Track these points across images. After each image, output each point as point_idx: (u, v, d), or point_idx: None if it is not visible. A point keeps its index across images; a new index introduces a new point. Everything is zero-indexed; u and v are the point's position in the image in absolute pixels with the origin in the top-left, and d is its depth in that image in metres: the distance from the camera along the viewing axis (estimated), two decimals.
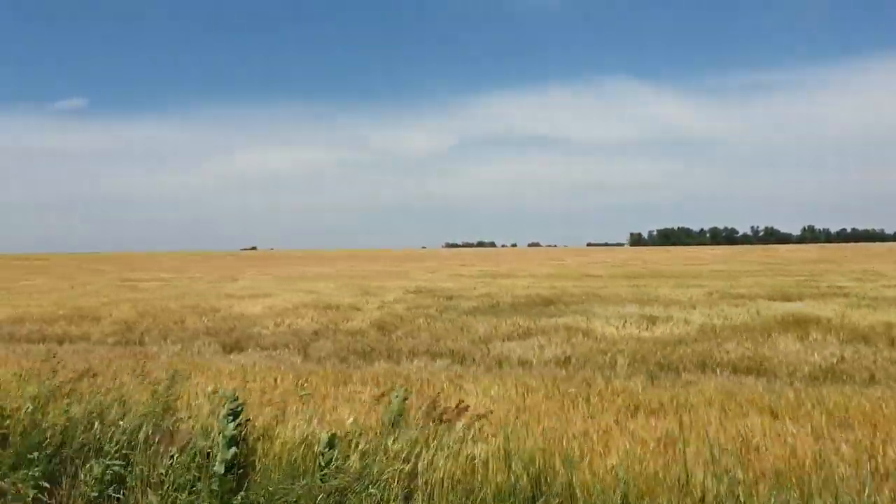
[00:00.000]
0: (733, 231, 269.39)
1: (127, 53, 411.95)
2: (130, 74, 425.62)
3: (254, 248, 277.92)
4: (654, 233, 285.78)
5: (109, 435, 5.29)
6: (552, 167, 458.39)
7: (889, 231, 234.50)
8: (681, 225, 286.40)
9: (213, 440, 5.07)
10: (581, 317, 14.89)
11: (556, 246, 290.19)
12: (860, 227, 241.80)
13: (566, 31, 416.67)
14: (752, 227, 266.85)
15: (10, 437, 5.49)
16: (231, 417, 5.15)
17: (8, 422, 5.60)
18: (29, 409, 5.72)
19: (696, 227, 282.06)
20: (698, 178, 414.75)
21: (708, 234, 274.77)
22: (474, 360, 10.22)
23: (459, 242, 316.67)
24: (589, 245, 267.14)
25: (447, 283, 30.28)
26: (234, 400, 5.34)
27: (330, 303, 18.98)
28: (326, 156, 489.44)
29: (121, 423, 5.44)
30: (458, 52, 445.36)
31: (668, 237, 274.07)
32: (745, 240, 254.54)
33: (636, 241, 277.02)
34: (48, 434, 5.34)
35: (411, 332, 13.24)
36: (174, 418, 5.66)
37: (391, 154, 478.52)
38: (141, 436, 5.28)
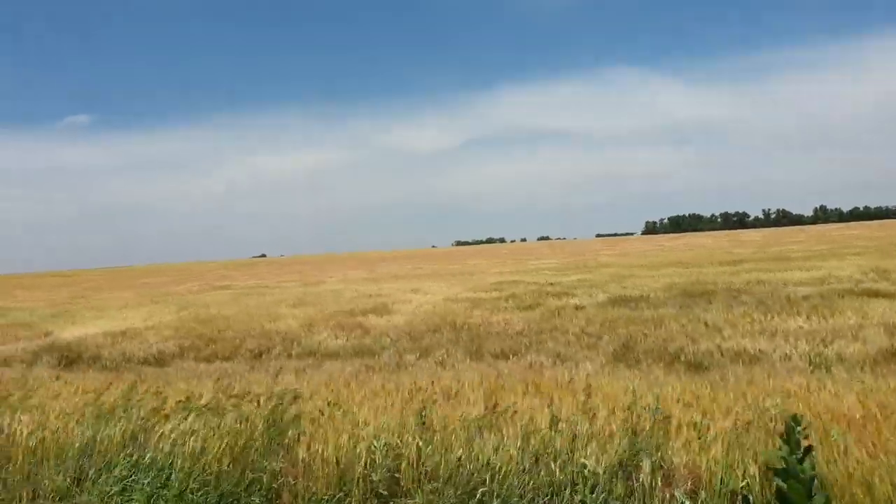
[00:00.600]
0: (745, 215, 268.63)
1: (127, 66, 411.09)
2: (133, 87, 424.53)
3: (263, 256, 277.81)
4: (665, 221, 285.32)
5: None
6: (558, 161, 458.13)
7: None
8: (690, 212, 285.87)
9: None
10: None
11: (564, 238, 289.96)
12: (872, 206, 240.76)
13: (571, 25, 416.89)
14: (764, 210, 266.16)
15: None
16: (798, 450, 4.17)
17: None
18: None
19: (703, 214, 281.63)
20: (700, 165, 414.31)
21: (719, 220, 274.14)
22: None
23: (469, 240, 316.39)
24: (598, 236, 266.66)
25: (563, 277, 29.57)
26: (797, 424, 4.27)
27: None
28: (333, 157, 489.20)
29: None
30: (464, 50, 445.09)
31: (679, 224, 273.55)
32: (757, 223, 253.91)
33: (650, 229, 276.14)
34: None
35: (670, 334, 12.27)
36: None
37: (398, 153, 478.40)
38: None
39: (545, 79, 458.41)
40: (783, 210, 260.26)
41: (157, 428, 6.13)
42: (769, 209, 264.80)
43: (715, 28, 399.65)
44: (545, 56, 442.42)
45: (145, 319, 20.67)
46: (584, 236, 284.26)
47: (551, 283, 25.41)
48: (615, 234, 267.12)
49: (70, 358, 13.29)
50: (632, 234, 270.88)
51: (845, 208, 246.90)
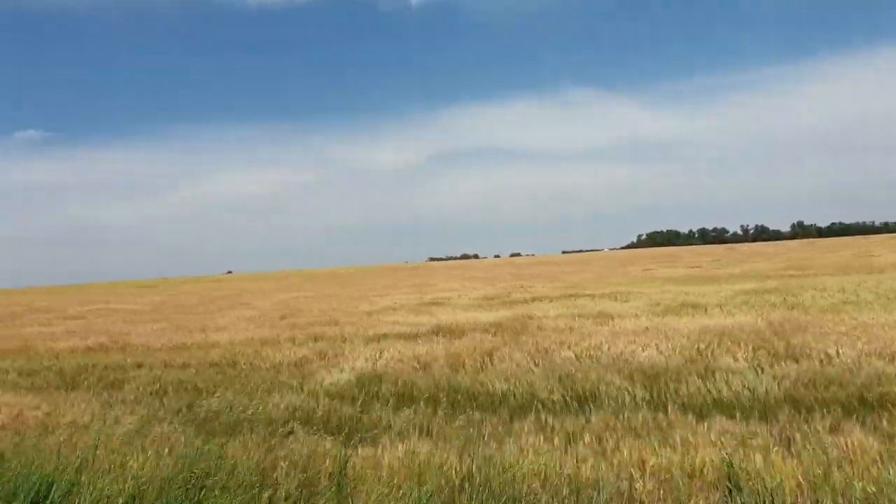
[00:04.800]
0: (723, 230, 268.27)
1: (84, 80, 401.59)
2: (89, 102, 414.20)
3: (230, 272, 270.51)
4: (643, 236, 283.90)
5: None
6: (524, 178, 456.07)
7: (878, 222, 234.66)
8: (667, 228, 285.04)
9: None
10: None
11: (534, 255, 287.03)
12: (847, 221, 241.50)
13: (529, 45, 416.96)
14: (742, 226, 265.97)
15: None
16: None
17: None
18: None
19: (680, 230, 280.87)
20: (669, 182, 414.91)
21: (696, 235, 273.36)
22: None
23: (443, 256, 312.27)
24: (564, 253, 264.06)
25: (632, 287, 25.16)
26: None
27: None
28: (295, 176, 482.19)
29: None
30: (423, 68, 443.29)
31: (656, 240, 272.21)
32: (736, 238, 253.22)
33: (631, 245, 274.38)
34: None
35: None
36: None
37: (361, 171, 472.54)
38: None
39: (504, 97, 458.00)
40: (761, 226, 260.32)
41: None
42: (748, 225, 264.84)
43: (671, 49, 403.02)
44: (504, 74, 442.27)
45: None
46: (553, 253, 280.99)
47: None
48: (580, 251, 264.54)
49: None
50: (599, 249, 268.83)
51: (822, 224, 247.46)
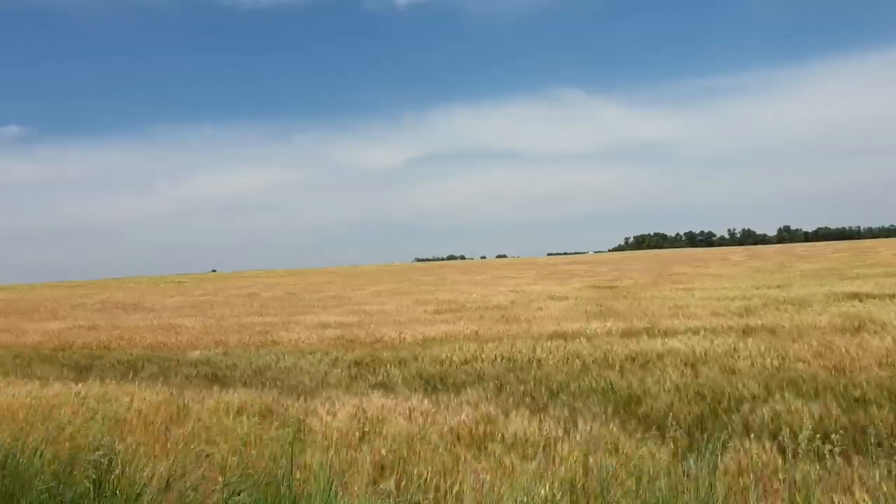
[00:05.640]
0: (711, 234, 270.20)
1: (68, 76, 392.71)
2: (73, 98, 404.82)
3: (214, 271, 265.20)
4: (631, 239, 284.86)
5: None
6: (511, 179, 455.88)
7: (864, 228, 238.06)
8: (654, 231, 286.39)
9: None
10: None
11: (519, 257, 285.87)
12: (833, 226, 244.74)
13: (517, 46, 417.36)
14: (729, 230, 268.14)
15: None
16: None
17: None
18: None
19: (668, 233, 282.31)
20: (655, 185, 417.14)
21: (684, 238, 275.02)
22: None
23: (429, 257, 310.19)
24: (549, 255, 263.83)
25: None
26: None
27: None
28: (281, 176, 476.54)
29: None
30: (410, 68, 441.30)
31: (644, 243, 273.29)
32: (723, 242, 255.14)
33: (618, 248, 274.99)
34: None
35: None
36: None
37: (349, 171, 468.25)
38: None
39: (492, 98, 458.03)
40: (748, 229, 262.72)
41: None
42: (734, 229, 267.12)
43: (660, 51, 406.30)
44: (492, 75, 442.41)
45: None
46: (540, 255, 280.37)
47: None
48: (566, 253, 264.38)
49: None
50: (585, 252, 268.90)
51: (808, 228, 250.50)
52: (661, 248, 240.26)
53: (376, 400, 10.39)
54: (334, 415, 10.03)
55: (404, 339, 18.27)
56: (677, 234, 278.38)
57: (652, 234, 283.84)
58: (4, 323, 29.68)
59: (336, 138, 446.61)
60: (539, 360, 14.33)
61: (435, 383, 12.57)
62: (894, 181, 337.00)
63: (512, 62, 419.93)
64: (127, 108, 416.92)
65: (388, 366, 14.35)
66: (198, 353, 18.67)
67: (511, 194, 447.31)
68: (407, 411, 9.42)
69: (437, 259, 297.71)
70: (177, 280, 79.89)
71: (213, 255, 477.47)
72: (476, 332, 18.91)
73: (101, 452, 5.68)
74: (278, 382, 13.21)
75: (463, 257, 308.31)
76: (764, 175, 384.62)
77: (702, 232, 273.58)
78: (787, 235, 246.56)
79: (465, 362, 14.61)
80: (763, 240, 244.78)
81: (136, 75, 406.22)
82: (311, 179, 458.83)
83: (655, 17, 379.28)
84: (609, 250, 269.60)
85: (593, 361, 13.45)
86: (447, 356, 15.21)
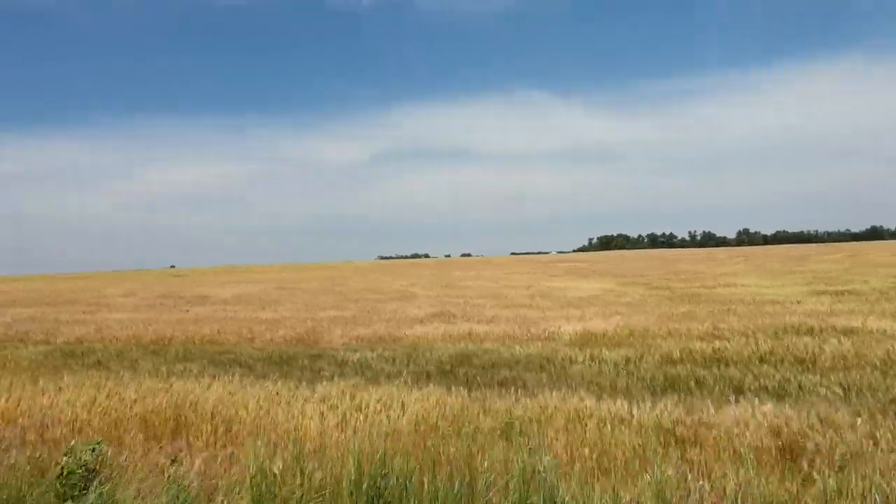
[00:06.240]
0: (672, 236, 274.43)
1: (30, 71, 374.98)
2: (35, 93, 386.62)
3: (172, 267, 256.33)
4: (594, 240, 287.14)
5: None
6: (475, 179, 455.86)
7: (822, 231, 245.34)
8: (617, 232, 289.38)
9: None
10: None
11: (481, 256, 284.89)
12: (791, 230, 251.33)
13: (482, 46, 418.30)
14: (690, 232, 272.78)
15: None
16: None
17: None
18: None
19: (629, 234, 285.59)
20: (618, 187, 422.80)
21: (646, 240, 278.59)
22: None
23: (392, 255, 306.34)
24: (513, 254, 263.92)
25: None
26: None
27: None
28: (240, 169, 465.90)
29: None
30: (375, 66, 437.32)
31: (609, 244, 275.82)
32: (684, 244, 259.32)
33: (582, 248, 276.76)
34: None
35: None
36: None
37: (308, 167, 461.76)
38: None
39: (456, 97, 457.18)
40: (708, 232, 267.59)
41: None
42: (695, 231, 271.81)
43: (623, 54, 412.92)
44: (457, 75, 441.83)
45: None
46: (502, 254, 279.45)
47: None
48: (528, 253, 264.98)
49: None
50: (547, 252, 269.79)
51: (766, 231, 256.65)
52: (624, 248, 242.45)
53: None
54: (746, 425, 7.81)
55: (606, 332, 16.03)
56: (639, 236, 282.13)
57: (616, 235, 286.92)
58: (67, 314, 26.25)
59: (297, 134, 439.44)
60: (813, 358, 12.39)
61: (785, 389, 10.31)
62: (849, 186, 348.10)
63: (477, 61, 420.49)
64: (89, 102, 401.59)
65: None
66: (341, 347, 16.06)
67: (473, 193, 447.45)
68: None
69: (402, 257, 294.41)
70: (174, 274, 75.27)
71: (168, 250, 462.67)
72: (668, 330, 16.82)
73: None
74: (553, 380, 10.87)
75: (427, 256, 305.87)
76: (723, 179, 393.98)
77: (663, 234, 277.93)
78: (746, 238, 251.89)
79: (729, 361, 12.53)
80: (723, 242, 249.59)
81: (99, 71, 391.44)
82: (270, 175, 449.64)
83: (619, 21, 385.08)
84: (573, 251, 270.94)
85: None
86: (694, 351, 13.11)
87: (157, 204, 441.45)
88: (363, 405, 8.94)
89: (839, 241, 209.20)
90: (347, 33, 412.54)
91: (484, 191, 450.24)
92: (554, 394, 9.22)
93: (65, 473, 5.25)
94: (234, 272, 75.09)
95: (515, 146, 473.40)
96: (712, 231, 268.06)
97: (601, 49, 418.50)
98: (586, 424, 7.55)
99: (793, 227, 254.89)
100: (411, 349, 15.05)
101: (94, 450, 5.57)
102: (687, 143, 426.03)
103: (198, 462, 6.10)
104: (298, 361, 13.71)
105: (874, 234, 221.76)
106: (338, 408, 8.60)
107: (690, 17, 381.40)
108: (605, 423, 7.56)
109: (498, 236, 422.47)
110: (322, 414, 8.39)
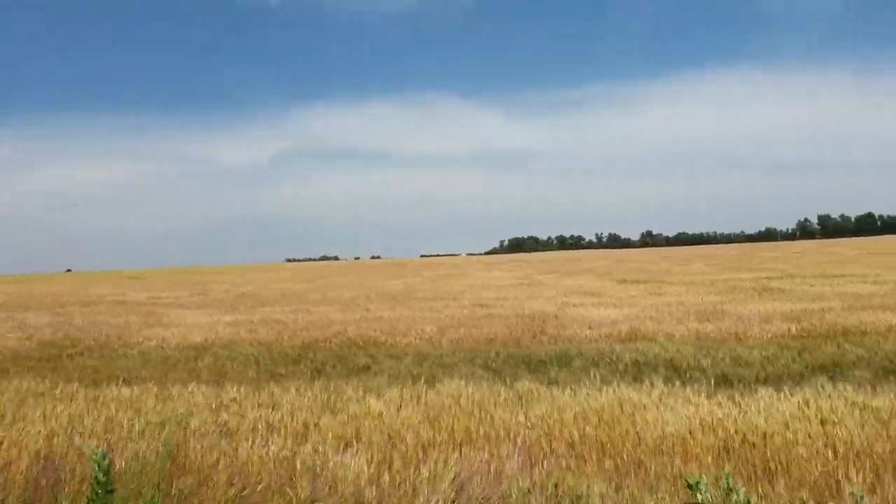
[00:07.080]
0: (580, 238, 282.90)
1: None
2: None
3: (68, 270, 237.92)
4: (505, 242, 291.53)
5: None
6: (383, 180, 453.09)
7: (721, 233, 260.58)
8: (527, 235, 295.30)
9: None
10: None
11: (393, 258, 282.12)
12: (691, 232, 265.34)
13: (392, 48, 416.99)
14: (597, 234, 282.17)
15: None
16: None
17: None
18: None
19: (540, 237, 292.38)
20: (526, 190, 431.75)
21: (555, 242, 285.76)
22: None
23: (300, 257, 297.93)
24: (423, 256, 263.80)
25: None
26: None
27: None
28: (137, 169, 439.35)
29: None
30: (281, 66, 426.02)
31: (520, 246, 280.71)
32: (591, 245, 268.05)
33: (493, 250, 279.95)
34: None
35: None
36: None
37: (208, 167, 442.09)
38: None
39: (363, 99, 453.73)
40: (614, 234, 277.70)
41: None
42: (602, 233, 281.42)
43: (532, 60, 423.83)
44: (365, 76, 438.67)
45: None
46: (411, 256, 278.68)
47: None
48: (438, 255, 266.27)
49: None
50: (458, 254, 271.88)
51: (669, 234, 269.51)
52: (535, 251, 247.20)
53: None
54: None
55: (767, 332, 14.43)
56: (549, 238, 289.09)
57: (526, 237, 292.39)
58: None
59: (203, 134, 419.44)
60: None
61: None
62: (742, 191, 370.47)
63: (385, 63, 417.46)
64: None
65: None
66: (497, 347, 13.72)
67: (379, 195, 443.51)
68: None
69: (311, 259, 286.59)
70: (134, 276, 68.33)
71: (62, 253, 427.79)
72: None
73: None
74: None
75: (336, 258, 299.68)
76: (626, 183, 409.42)
77: (571, 236, 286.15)
78: (650, 240, 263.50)
79: None
80: (628, 244, 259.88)
81: None
82: (169, 175, 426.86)
83: (531, 27, 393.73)
84: (484, 252, 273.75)
85: None
86: None
87: (49, 206, 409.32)
88: None
89: (734, 241, 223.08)
90: (253, 32, 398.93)
91: (393, 193, 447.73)
92: None
93: None
94: (188, 273, 69.05)
95: (424, 149, 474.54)
96: (617, 233, 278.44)
97: (511, 55, 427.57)
98: None
99: (693, 230, 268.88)
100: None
101: None
102: (589, 149, 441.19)
103: None
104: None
105: (768, 235, 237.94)
106: None
107: (590, 26, 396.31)
108: None
109: (406, 238, 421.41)
110: None
